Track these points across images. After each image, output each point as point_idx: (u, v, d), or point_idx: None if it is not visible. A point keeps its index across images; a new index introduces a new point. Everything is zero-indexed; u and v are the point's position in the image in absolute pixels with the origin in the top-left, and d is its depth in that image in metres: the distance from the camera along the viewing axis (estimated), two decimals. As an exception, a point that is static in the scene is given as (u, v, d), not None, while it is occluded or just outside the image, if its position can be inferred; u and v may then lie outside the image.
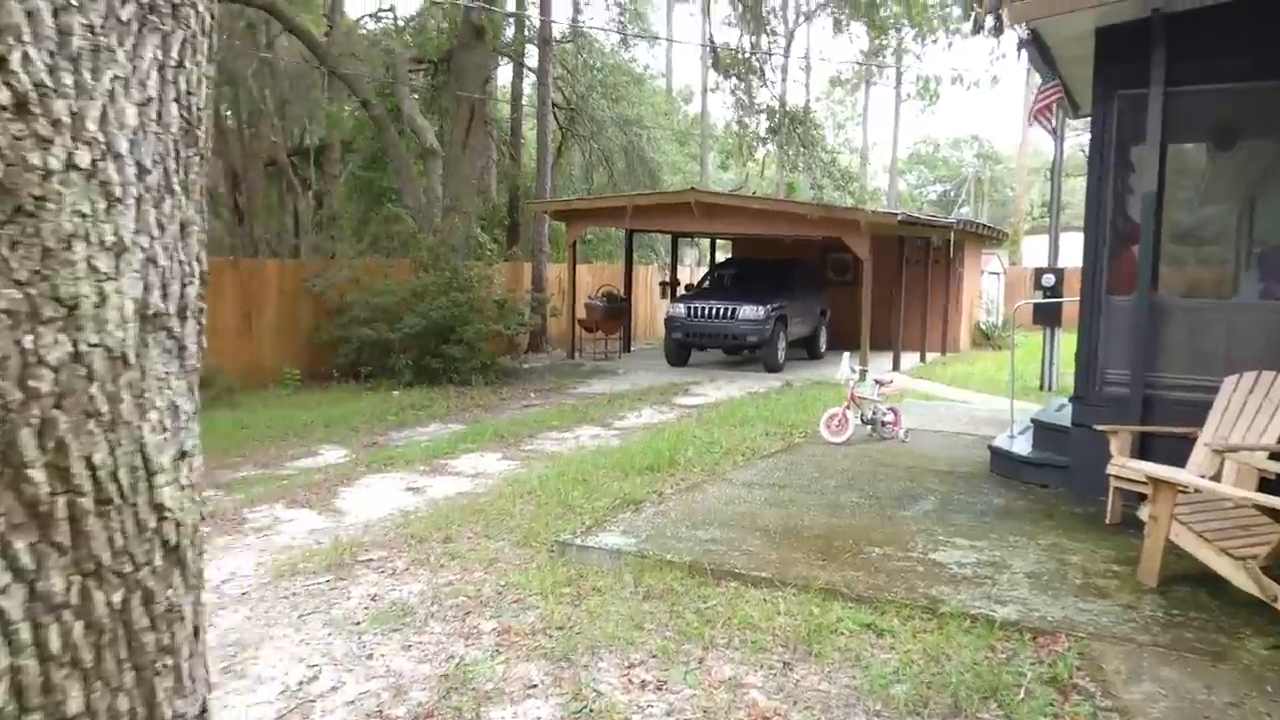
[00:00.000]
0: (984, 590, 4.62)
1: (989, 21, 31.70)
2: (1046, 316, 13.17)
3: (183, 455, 1.06)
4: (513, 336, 14.51)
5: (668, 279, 19.71)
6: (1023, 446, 7.10)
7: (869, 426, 8.77)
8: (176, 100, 1.00)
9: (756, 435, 9.24)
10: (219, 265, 13.40)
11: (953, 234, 16.98)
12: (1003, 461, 7.04)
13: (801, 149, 14.63)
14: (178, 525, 1.07)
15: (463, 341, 13.70)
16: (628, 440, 9.27)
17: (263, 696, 3.67)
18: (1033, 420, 7.11)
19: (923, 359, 17.39)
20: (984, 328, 21.62)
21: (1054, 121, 6.56)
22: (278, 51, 21.97)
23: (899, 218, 13.79)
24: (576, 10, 28.90)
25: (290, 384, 13.33)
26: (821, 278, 19.14)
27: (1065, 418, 6.80)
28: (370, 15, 24.07)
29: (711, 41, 16.96)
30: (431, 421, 10.84)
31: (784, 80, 35.15)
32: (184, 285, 1.07)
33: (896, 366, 15.78)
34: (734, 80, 16.34)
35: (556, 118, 25.17)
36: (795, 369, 15.87)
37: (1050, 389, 13.13)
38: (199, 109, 1.06)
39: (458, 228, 14.78)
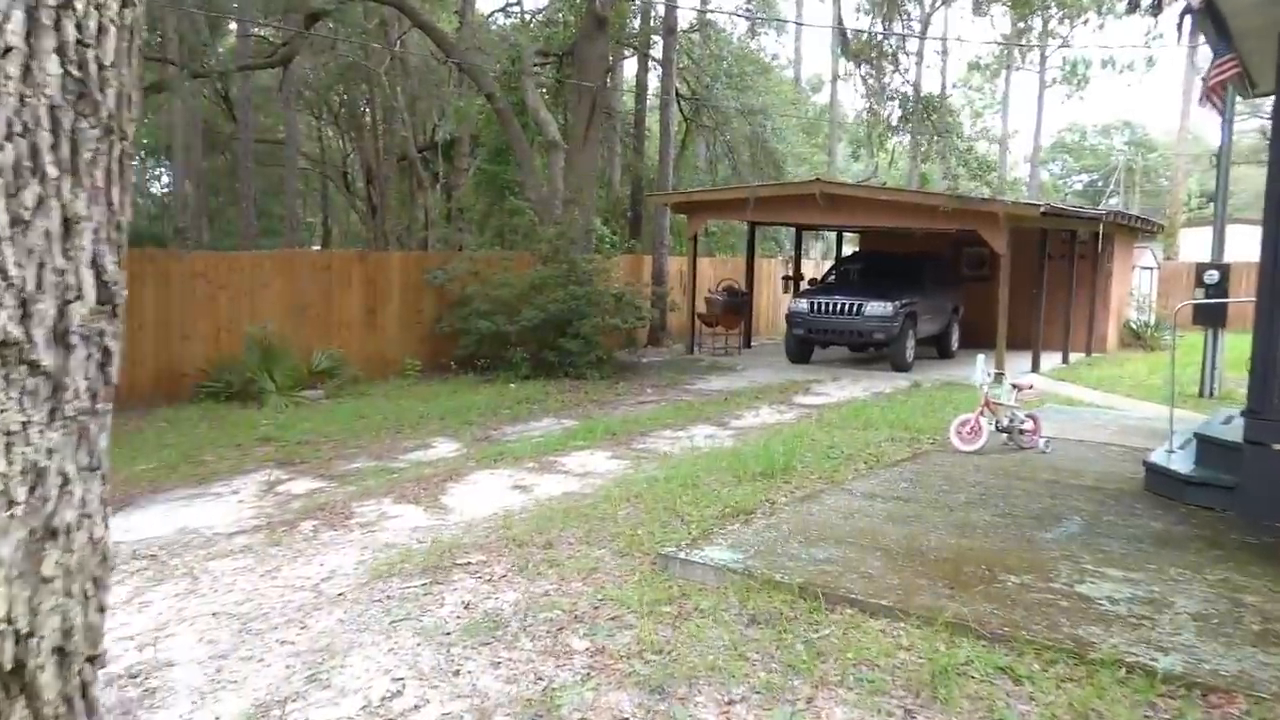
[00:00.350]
0: (1141, 633, 4.05)
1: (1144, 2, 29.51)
2: (1209, 316, 12.01)
3: (51, 534, 0.78)
4: (630, 330, 14.32)
5: (791, 273, 19.13)
6: (1183, 463, 6.35)
7: (1004, 435, 8.10)
8: (59, 52, 0.73)
9: (880, 440, 8.70)
10: (346, 259, 13.74)
11: (1101, 226, 15.75)
12: (1160, 479, 6.31)
13: (936, 137, 13.79)
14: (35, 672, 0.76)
15: (579, 335, 13.59)
16: (743, 441, 8.89)
17: (344, 711, 3.52)
18: (1196, 435, 6.33)
19: (1065, 360, 16.24)
20: (1134, 326, 20.08)
21: (1225, 102, 5.73)
22: (408, 48, 22.50)
23: (1041, 209, 12.83)
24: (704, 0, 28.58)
25: (411, 375, 13.53)
26: (954, 273, 18.16)
27: (1236, 432, 6.03)
28: (500, 9, 24.43)
29: (841, 23, 16.25)
30: (545, 416, 10.74)
31: (919, 66, 33.71)
32: (64, 303, 0.80)
33: (1036, 368, 14.77)
34: (865, 67, 15.62)
35: (681, 109, 24.89)
36: (924, 369, 15.07)
37: (1211, 396, 11.98)
38: (106, 68, 0.79)
39: (577, 220, 14.67)
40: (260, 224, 27.19)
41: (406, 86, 23.46)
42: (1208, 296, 11.76)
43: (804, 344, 15.36)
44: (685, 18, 25.73)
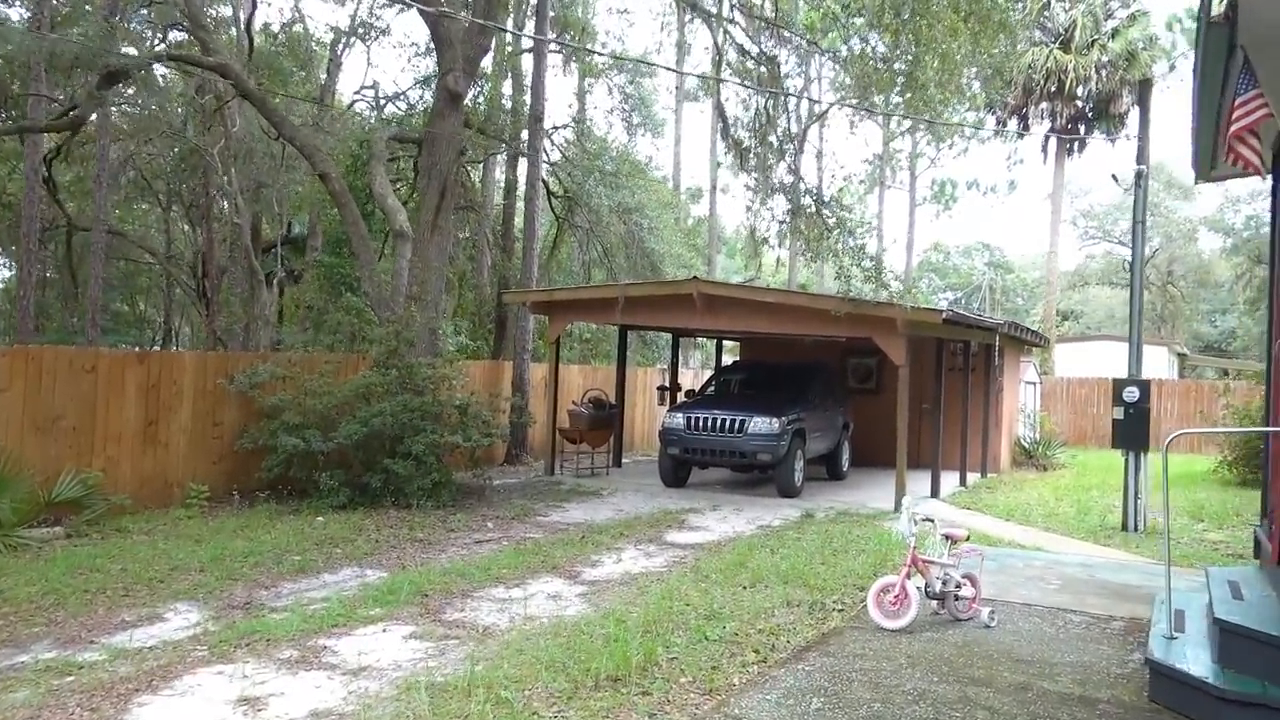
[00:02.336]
0: None
1: (1013, 123, 29.68)
2: (1130, 438, 10.66)
3: None
4: (477, 449, 12.04)
5: (667, 383, 17.30)
6: (1199, 660, 4.50)
7: (936, 602, 6.16)
8: None
9: (774, 605, 6.63)
10: (119, 360, 11.05)
11: (998, 337, 14.60)
12: (1175, 689, 4.42)
13: (826, 232, 12.40)
14: None
15: (410, 455, 11.20)
16: (594, 606, 6.67)
17: None
18: (1219, 623, 4.48)
19: (963, 482, 14.79)
20: (1025, 445, 19.04)
21: (1259, 152, 4.15)
22: (249, 129, 20.21)
23: (944, 315, 11.45)
24: (581, 100, 27.51)
25: (196, 504, 10.79)
26: (844, 385, 16.71)
27: (1272, 615, 4.23)
28: (355, 92, 22.57)
29: (722, 112, 14.99)
30: (346, 565, 8.26)
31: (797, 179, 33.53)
32: None
33: (936, 492, 13.18)
34: (750, 160, 14.28)
35: (553, 207, 23.33)
36: (815, 493, 13.28)
37: (1137, 530, 10.50)
38: None
39: (415, 318, 12.46)
40: (104, 322, 23.76)
41: (248, 170, 21.10)
42: (1128, 414, 10.43)
43: (680, 465, 13.39)
44: (559, 115, 24.55)
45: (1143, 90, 10.85)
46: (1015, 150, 41.71)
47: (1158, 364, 29.48)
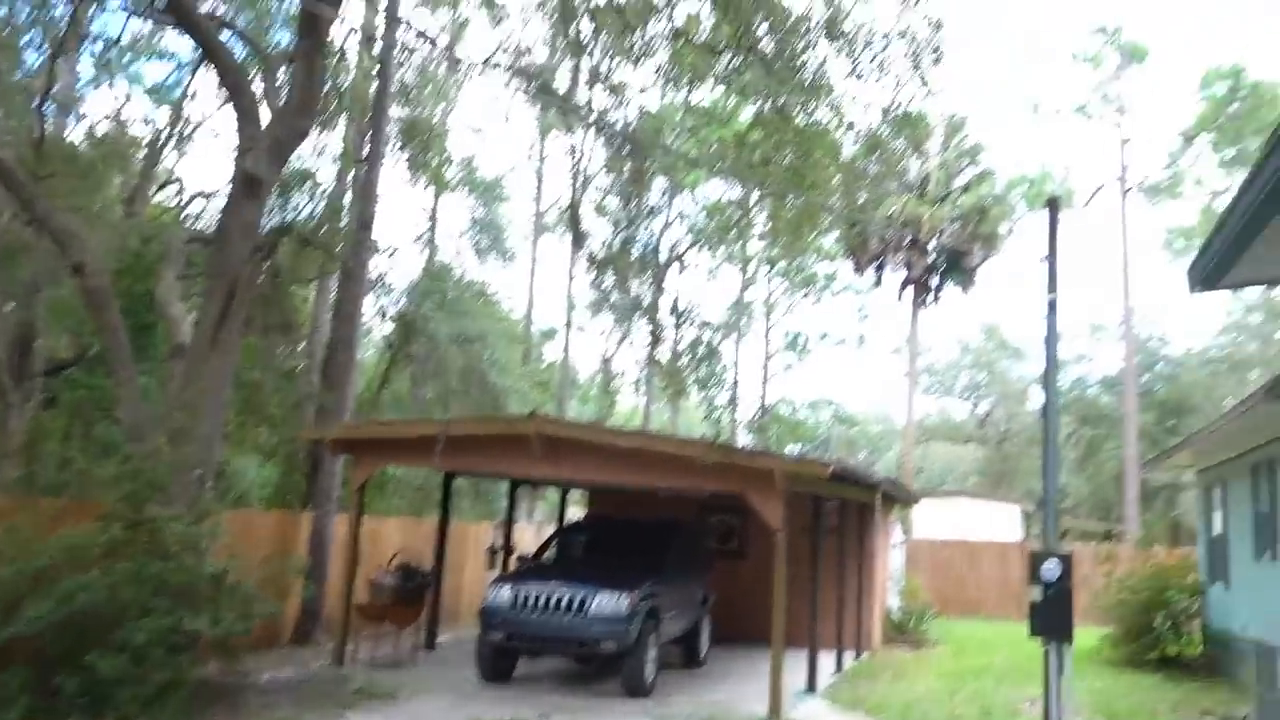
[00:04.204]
0: None
1: (869, 274, 29.34)
2: (1050, 625, 8.84)
3: None
4: (226, 640, 8.97)
5: (498, 544, 14.64)
6: None
7: None
8: None
9: None
10: None
11: (879, 495, 12.90)
12: None
13: (697, 366, 10.56)
14: None
15: (126, 648, 8.10)
16: None
17: None
18: None
19: (839, 665, 12.66)
20: (895, 618, 17.20)
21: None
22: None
23: (831, 469, 9.55)
24: (433, 220, 25.53)
25: None
26: (704, 547, 14.53)
27: None
28: (158, 187, 19.74)
29: (576, 225, 13.24)
30: None
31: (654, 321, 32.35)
32: None
33: (813, 684, 10.97)
34: (611, 282, 12.42)
35: (385, 336, 20.84)
36: (671, 687, 10.80)
37: (1062, 742, 8.52)
38: None
39: (164, 455, 9.51)
40: None
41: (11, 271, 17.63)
42: (1047, 596, 8.64)
43: (503, 654, 10.67)
44: (405, 235, 22.43)
45: (1051, 209, 9.71)
46: (865, 304, 42.35)
47: (1010, 524, 28.94)
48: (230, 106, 12.43)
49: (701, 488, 11.41)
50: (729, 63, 14.51)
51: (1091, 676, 13.02)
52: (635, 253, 12.03)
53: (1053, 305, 9.17)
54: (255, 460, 20.23)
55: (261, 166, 11.19)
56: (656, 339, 11.45)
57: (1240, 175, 31.26)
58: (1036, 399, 55.30)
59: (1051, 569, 8.69)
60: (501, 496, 18.03)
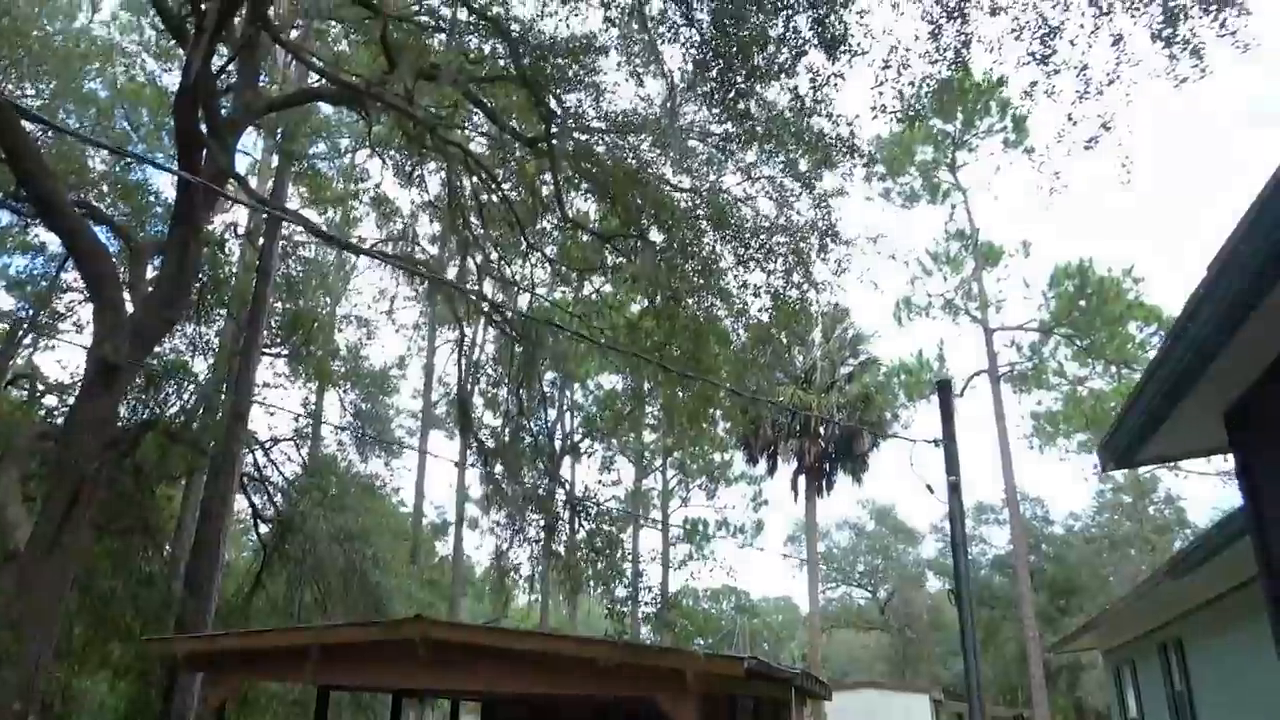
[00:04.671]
0: None
1: (763, 463, 29.24)
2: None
3: None
4: None
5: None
6: None
7: None
8: None
9: None
10: None
11: (794, 690, 12.13)
12: None
13: (596, 558, 9.92)
14: None
15: None
16: None
17: None
18: None
19: None
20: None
21: None
22: None
23: (745, 666, 8.81)
24: (317, 418, 24.52)
25: None
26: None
27: None
28: (8, 384, 18.29)
29: (464, 408, 12.68)
30: None
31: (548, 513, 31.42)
32: None
33: None
34: (501, 473, 11.83)
35: (259, 534, 19.36)
36: None
37: None
38: None
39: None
40: None
41: None
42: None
43: None
44: (284, 429, 21.36)
45: (942, 392, 9.76)
46: (760, 492, 42.37)
47: (921, 711, 28.11)
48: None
49: (607, 692, 10.49)
50: (618, 253, 14.80)
51: None
52: (527, 442, 11.60)
53: (954, 487, 9.06)
54: (105, 681, 17.94)
55: (121, 355, 10.40)
56: (551, 530, 10.82)
57: (1096, 365, 33.53)
58: (933, 583, 55.59)
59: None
60: (386, 708, 16.29)
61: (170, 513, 18.61)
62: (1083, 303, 32.80)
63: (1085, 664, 34.69)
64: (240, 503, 22.40)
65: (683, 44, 10.71)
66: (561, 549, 10.39)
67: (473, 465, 14.56)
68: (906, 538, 55.36)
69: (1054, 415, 36.20)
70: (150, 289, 11.95)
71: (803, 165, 12.41)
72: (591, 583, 10.01)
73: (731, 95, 10.47)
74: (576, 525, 10.53)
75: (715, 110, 11.25)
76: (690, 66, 10.71)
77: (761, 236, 14.15)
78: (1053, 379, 35.22)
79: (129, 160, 16.97)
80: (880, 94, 9.62)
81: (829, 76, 10.14)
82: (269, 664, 10.12)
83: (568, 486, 11.48)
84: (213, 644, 10.15)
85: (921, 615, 54.11)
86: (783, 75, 10.38)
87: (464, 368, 12.36)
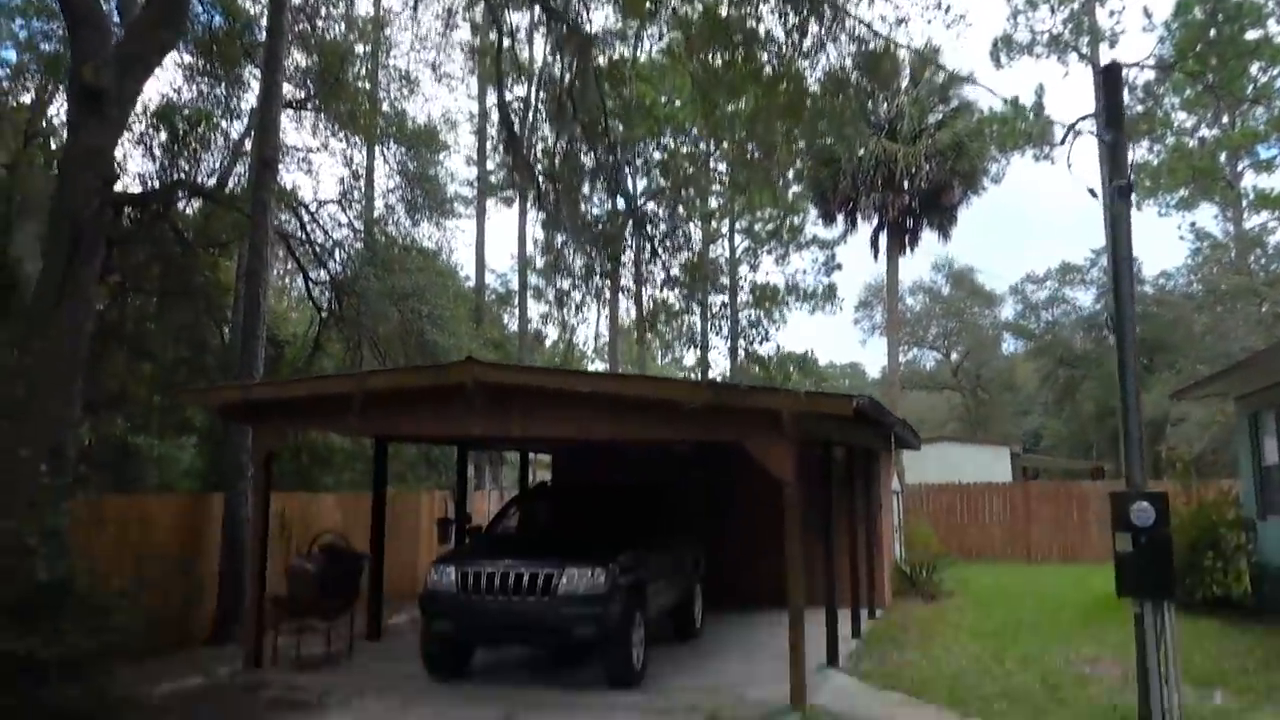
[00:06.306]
0: None
1: (840, 221, 26.91)
2: (1149, 581, 7.00)
3: None
4: (77, 658, 6.87)
5: (450, 514, 12.58)
6: None
7: None
8: None
9: None
10: None
11: (892, 438, 11.01)
12: None
13: (689, 284, 8.55)
14: None
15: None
16: None
17: None
18: None
19: (856, 630, 10.80)
20: (905, 569, 15.47)
21: None
22: None
23: (855, 405, 7.49)
24: (370, 179, 23.08)
25: None
26: (690, 508, 12.60)
27: None
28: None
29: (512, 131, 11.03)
30: None
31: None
32: None
33: (834, 656, 9.08)
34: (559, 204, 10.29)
35: (312, 298, 18.50)
36: (663, 671, 8.85)
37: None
38: None
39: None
40: None
41: None
42: (1139, 547, 6.78)
43: (453, 648, 8.64)
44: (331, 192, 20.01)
45: (1109, 78, 7.73)
46: (833, 256, 40.15)
47: (1002, 465, 27.45)
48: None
49: (688, 438, 9.44)
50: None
51: (1126, 625, 11.30)
52: (588, 166, 10.05)
53: (1124, 190, 7.21)
54: (190, 445, 17.96)
55: (106, 78, 8.84)
56: (616, 260, 9.48)
57: (1208, 114, 29.62)
58: (1009, 344, 54.13)
59: (1144, 512, 6.81)
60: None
61: (227, 285, 17.79)
62: (1213, 32, 28.62)
63: (1173, 418, 33.49)
64: (293, 273, 21.61)
65: None
66: (631, 282, 9.08)
67: (532, 207, 13.09)
68: (983, 300, 53.38)
69: (1157, 168, 32.87)
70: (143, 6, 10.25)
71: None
72: (669, 318, 8.70)
73: None
74: (646, 251, 9.09)
75: None
76: None
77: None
78: (1159, 129, 31.64)
79: None
80: None
81: None
82: (314, 414, 9.25)
83: (635, 205, 9.94)
84: (249, 394, 9.26)
85: (994, 377, 53.15)
86: None
87: (502, 72, 10.52)
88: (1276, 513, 11.86)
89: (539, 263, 28.25)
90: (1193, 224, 45.27)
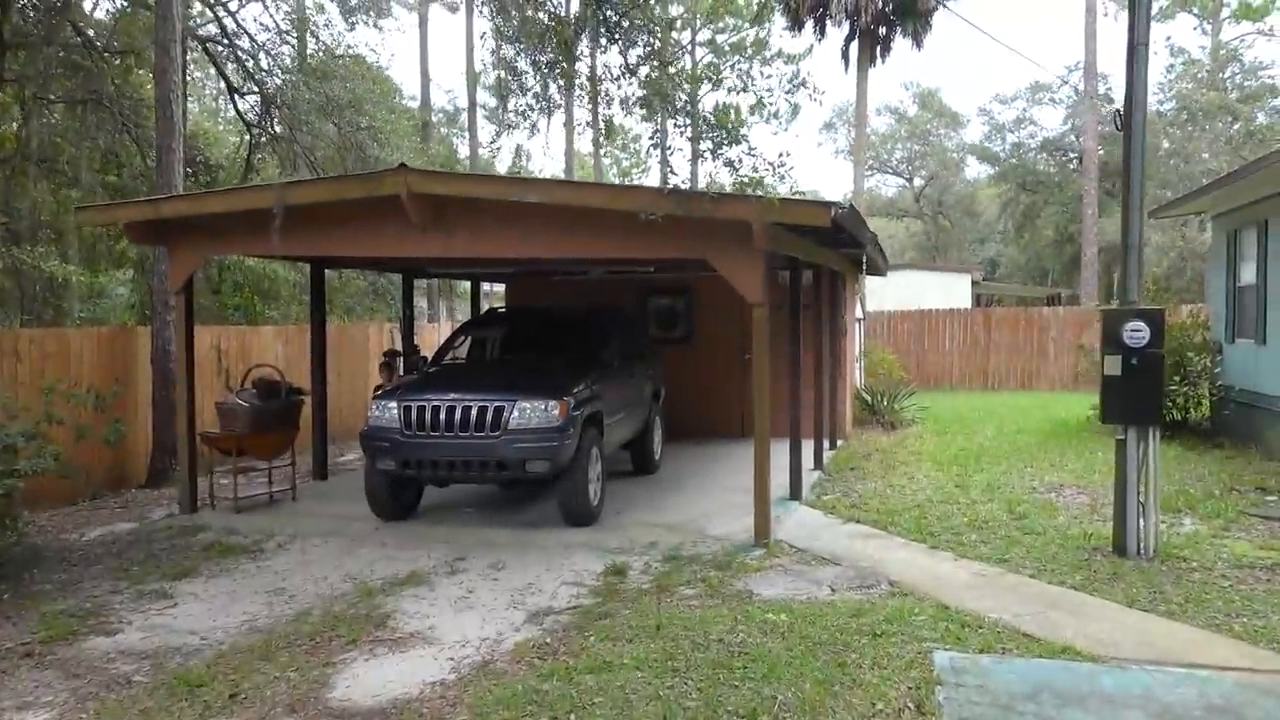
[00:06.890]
0: None
1: (809, 28, 25.21)
2: (1137, 406, 6.60)
3: None
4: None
5: (395, 346, 11.89)
6: None
7: None
8: None
9: None
10: None
11: (864, 258, 10.38)
12: None
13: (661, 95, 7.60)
14: None
15: None
16: None
17: None
18: None
19: (819, 461, 10.56)
20: (866, 397, 15.28)
21: None
22: None
23: (833, 212, 6.75)
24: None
25: None
26: (649, 334, 12.06)
27: None
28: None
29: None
30: None
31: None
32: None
33: (797, 490, 8.78)
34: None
35: (239, 112, 16.96)
36: (621, 506, 8.51)
37: (1141, 553, 6.50)
38: None
39: None
40: None
41: None
42: (1129, 368, 6.33)
43: (400, 487, 8.15)
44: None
45: None
46: (798, 72, 38.29)
47: (962, 292, 27.23)
48: None
49: (649, 256, 8.73)
50: None
51: (1097, 449, 11.24)
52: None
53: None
54: (126, 277, 16.83)
55: None
56: (570, 50, 8.38)
57: None
58: (973, 169, 53.15)
59: (1137, 333, 6.32)
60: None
61: (150, 103, 16.14)
62: None
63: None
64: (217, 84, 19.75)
65: None
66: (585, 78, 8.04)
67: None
68: (950, 121, 51.99)
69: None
70: None
71: None
72: (630, 113, 7.72)
73: None
74: (603, 41, 8.01)
75: None
76: None
77: None
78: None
79: None
80: None
81: None
82: (231, 233, 8.28)
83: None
84: (158, 210, 8.24)
85: (956, 202, 52.45)
86: None
87: None
88: (1246, 336, 11.61)
89: (490, 79, 26.50)
90: (1168, 38, 43.69)
